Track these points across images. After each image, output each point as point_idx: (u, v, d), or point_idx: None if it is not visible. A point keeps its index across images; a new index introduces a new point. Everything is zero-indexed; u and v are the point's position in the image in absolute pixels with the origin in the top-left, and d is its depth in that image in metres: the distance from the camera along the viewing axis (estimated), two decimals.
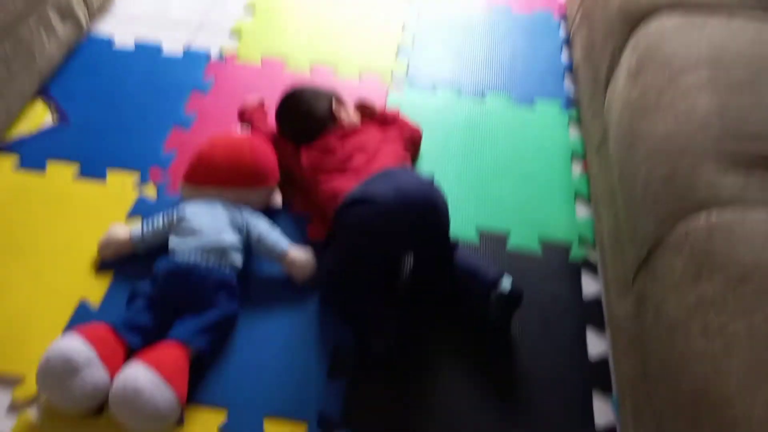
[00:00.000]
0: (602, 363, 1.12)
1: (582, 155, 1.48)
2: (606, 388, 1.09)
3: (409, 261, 1.20)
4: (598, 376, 1.10)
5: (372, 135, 1.26)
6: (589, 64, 1.50)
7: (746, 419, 0.65)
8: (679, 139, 0.90)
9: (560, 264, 1.26)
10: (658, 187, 0.89)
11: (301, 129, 1.28)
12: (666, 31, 1.06)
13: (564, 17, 1.88)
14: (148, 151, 1.36)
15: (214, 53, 1.63)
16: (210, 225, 1.11)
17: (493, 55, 1.73)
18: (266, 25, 1.74)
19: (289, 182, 1.29)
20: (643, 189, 0.93)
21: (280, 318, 1.12)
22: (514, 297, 1.07)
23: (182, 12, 1.76)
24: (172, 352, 0.97)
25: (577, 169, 1.46)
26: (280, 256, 1.13)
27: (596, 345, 1.15)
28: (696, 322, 0.75)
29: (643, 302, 0.91)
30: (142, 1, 1.78)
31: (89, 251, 1.16)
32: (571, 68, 1.70)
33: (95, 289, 1.12)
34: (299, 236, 1.23)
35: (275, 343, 1.08)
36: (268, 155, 1.24)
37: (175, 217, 1.14)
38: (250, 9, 1.80)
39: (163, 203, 1.26)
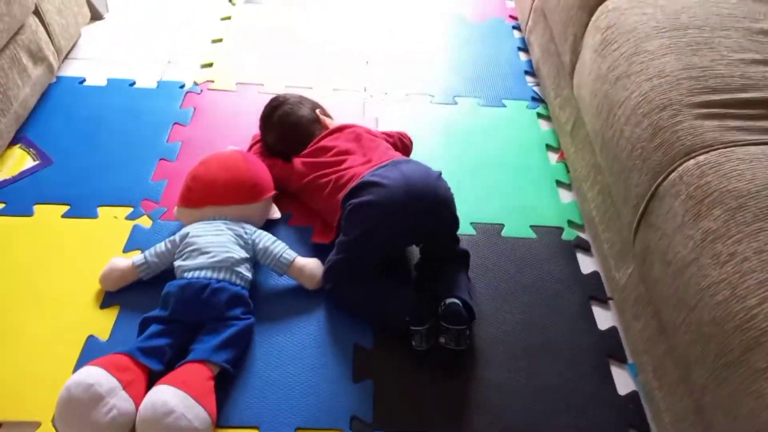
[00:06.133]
0: (611, 335, 1.15)
1: (556, 146, 1.56)
2: (620, 358, 1.12)
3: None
4: (610, 348, 1.13)
5: (359, 127, 1.29)
6: (550, 59, 1.59)
7: None
8: (656, 97, 0.97)
9: (555, 246, 1.30)
10: (644, 143, 0.95)
11: (292, 138, 1.31)
12: (623, 8, 1.15)
13: (515, 21, 1.99)
14: (136, 185, 1.35)
15: (188, 84, 1.64)
16: (216, 242, 1.11)
17: (457, 62, 1.81)
18: (236, 56, 1.77)
19: (284, 196, 1.30)
20: (630, 150, 0.99)
21: (297, 327, 1.12)
22: (451, 315, 1.04)
23: (150, 51, 1.76)
24: (196, 372, 0.96)
25: (553, 158, 1.53)
26: (288, 266, 1.14)
27: (601, 319, 1.18)
28: (706, 255, 0.80)
29: (646, 257, 0.95)
30: (108, 43, 1.78)
31: (91, 288, 1.14)
32: (530, 69, 1.80)
33: (102, 325, 1.09)
34: (303, 247, 1.23)
35: (296, 353, 1.08)
36: (261, 166, 1.26)
37: (178, 240, 1.13)
38: (218, 43, 1.82)
39: (159, 231, 1.25)
